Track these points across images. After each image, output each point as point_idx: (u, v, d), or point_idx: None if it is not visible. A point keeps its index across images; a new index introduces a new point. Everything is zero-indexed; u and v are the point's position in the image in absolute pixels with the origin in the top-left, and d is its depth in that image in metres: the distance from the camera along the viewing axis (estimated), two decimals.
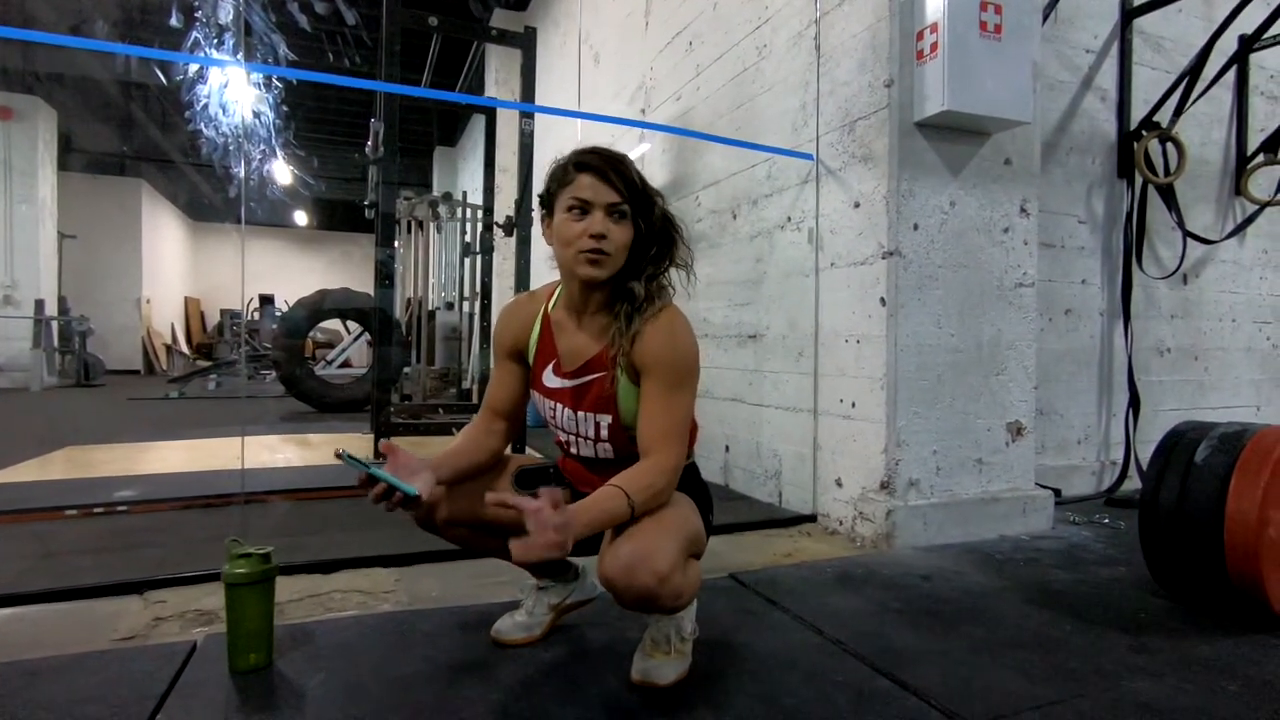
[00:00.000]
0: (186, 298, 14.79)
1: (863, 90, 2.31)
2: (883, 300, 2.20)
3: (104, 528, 2.29)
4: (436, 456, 1.28)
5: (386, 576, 1.83)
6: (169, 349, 12.36)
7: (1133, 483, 2.86)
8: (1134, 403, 2.91)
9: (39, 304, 8.89)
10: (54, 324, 9.20)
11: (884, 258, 2.20)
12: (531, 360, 1.35)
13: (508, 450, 1.45)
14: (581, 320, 1.28)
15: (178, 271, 14.58)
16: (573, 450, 1.34)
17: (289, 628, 1.45)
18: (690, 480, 1.34)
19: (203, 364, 10.27)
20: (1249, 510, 1.46)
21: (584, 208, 1.19)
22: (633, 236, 1.22)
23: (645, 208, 1.22)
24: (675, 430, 1.19)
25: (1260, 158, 3.19)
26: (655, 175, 3.79)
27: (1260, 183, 3.22)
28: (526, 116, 3.69)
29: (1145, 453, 2.67)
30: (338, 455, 1.10)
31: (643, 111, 4.04)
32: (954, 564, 1.99)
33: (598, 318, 1.27)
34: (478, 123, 8.09)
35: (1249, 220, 3.23)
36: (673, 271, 1.30)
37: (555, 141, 5.00)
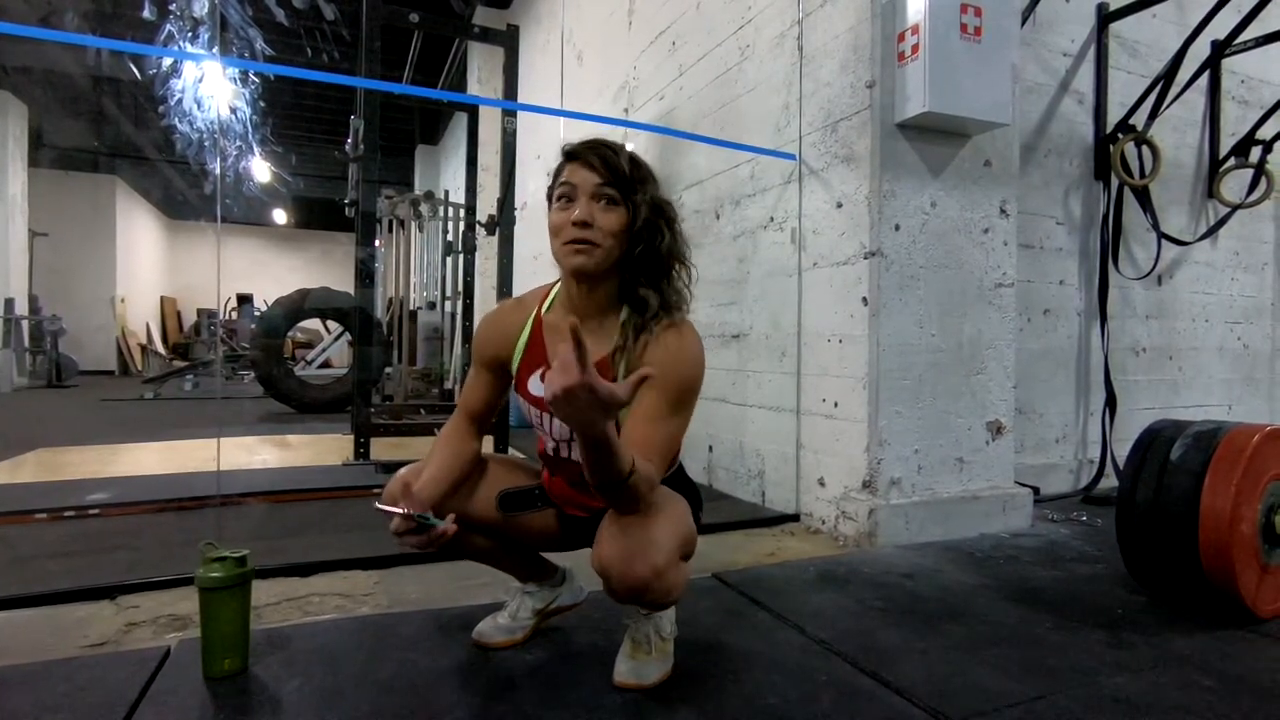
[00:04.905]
0: (163, 297, 14.52)
1: (845, 91, 2.32)
2: (865, 300, 2.21)
3: (75, 531, 2.23)
4: (426, 486, 1.20)
5: (366, 579, 1.81)
6: (144, 349, 12.13)
7: (1109, 480, 2.91)
8: (1110, 402, 2.96)
9: (9, 303, 8.70)
10: (24, 323, 8.99)
11: (866, 258, 2.21)
12: (516, 368, 1.29)
13: (490, 449, 1.43)
14: (581, 324, 1.24)
15: (153, 270, 14.32)
16: (563, 454, 1.29)
17: (266, 632, 1.43)
18: (679, 479, 1.32)
19: (179, 364, 10.10)
20: (1223, 507, 1.48)
21: (569, 194, 1.16)
22: (625, 224, 1.16)
23: (636, 193, 1.16)
24: (660, 449, 1.12)
25: (1232, 161, 3.26)
26: None
27: (1232, 185, 3.29)
28: (509, 115, 3.67)
29: (1122, 451, 2.71)
30: (405, 516, 1.09)
31: (626, 111, 4.03)
32: (935, 562, 2.00)
33: (599, 321, 1.21)
34: (460, 121, 8.03)
35: (1221, 222, 3.29)
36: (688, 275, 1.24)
37: (538, 140, 4.98)
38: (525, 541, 1.39)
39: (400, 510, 1.09)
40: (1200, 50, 2.98)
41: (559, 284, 1.28)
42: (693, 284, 1.26)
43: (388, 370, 5.90)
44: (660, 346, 1.15)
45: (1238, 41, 2.99)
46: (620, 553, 1.06)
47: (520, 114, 3.86)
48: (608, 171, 1.15)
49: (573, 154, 1.17)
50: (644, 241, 1.17)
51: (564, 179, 1.17)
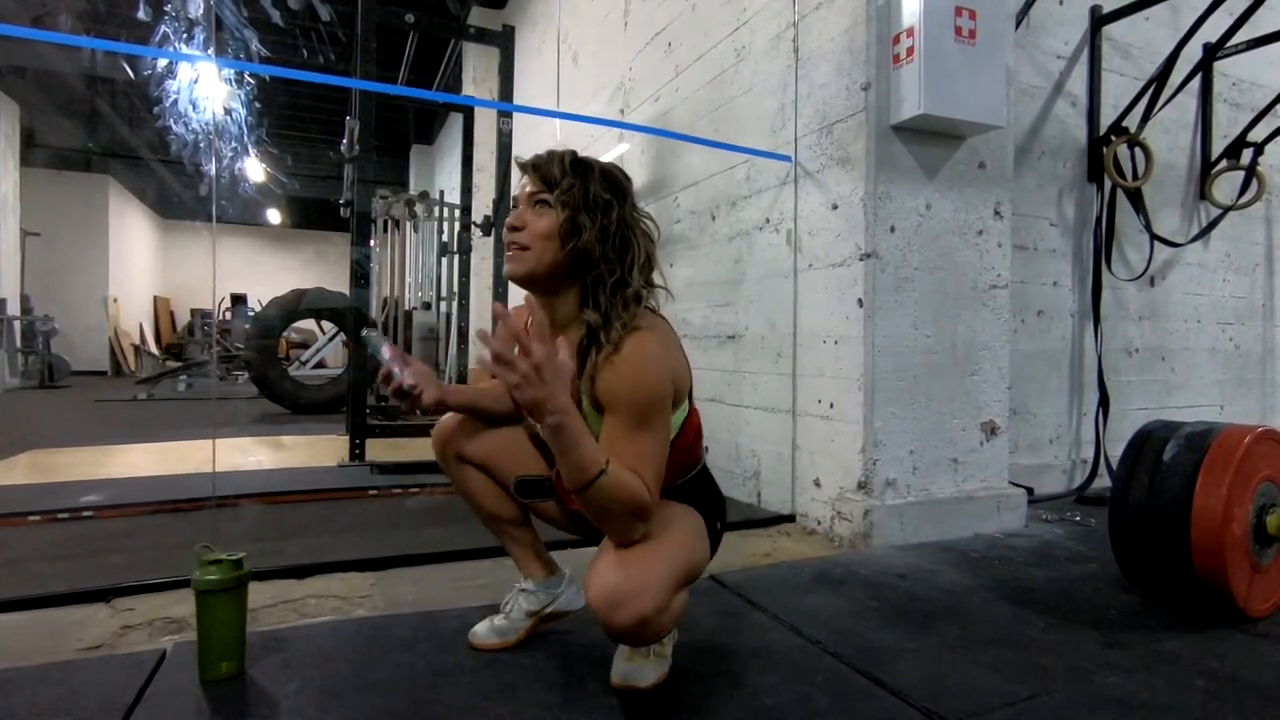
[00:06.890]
0: (156, 297, 14.46)
1: (840, 93, 2.33)
2: (860, 301, 2.22)
3: (69, 534, 2.23)
4: (455, 390, 1.36)
5: (362, 581, 1.81)
6: (137, 349, 12.07)
7: (1103, 481, 2.92)
8: (1104, 402, 2.97)
9: (0, 303, 8.64)
10: (16, 323, 8.94)
11: (861, 259, 2.22)
12: None
13: None
14: (554, 339, 1.20)
15: (146, 270, 14.26)
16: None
17: (262, 635, 1.42)
18: (702, 483, 1.30)
19: (173, 365, 10.06)
20: (1214, 507, 1.49)
21: (516, 206, 1.20)
22: (556, 227, 1.13)
23: (568, 191, 1.13)
24: (645, 462, 1.07)
25: (1224, 163, 3.28)
26: (634, 176, 3.77)
27: (1224, 187, 3.31)
28: (504, 116, 3.68)
29: (1115, 451, 2.72)
30: (361, 339, 1.17)
31: (622, 112, 4.03)
32: (930, 562, 2.01)
33: (568, 335, 1.18)
34: (455, 121, 8.03)
35: (1213, 224, 3.31)
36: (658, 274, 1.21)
37: (533, 141, 4.96)
38: (541, 519, 1.43)
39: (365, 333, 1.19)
40: (1192, 53, 2.99)
41: None
42: (635, 282, 1.15)
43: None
44: (608, 371, 1.09)
45: (1229, 44, 3.00)
46: (609, 594, 1.02)
47: (516, 115, 3.86)
48: (539, 179, 1.16)
49: (521, 167, 1.21)
50: (571, 242, 1.13)
51: (515, 194, 1.21)
